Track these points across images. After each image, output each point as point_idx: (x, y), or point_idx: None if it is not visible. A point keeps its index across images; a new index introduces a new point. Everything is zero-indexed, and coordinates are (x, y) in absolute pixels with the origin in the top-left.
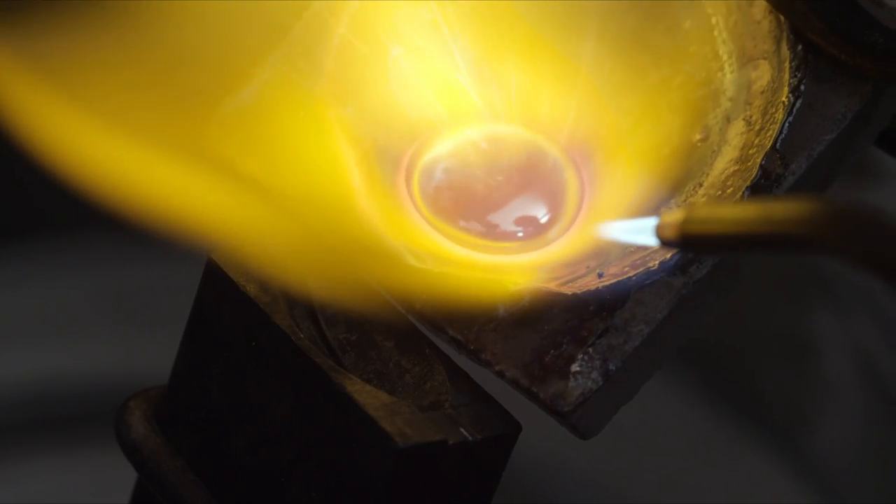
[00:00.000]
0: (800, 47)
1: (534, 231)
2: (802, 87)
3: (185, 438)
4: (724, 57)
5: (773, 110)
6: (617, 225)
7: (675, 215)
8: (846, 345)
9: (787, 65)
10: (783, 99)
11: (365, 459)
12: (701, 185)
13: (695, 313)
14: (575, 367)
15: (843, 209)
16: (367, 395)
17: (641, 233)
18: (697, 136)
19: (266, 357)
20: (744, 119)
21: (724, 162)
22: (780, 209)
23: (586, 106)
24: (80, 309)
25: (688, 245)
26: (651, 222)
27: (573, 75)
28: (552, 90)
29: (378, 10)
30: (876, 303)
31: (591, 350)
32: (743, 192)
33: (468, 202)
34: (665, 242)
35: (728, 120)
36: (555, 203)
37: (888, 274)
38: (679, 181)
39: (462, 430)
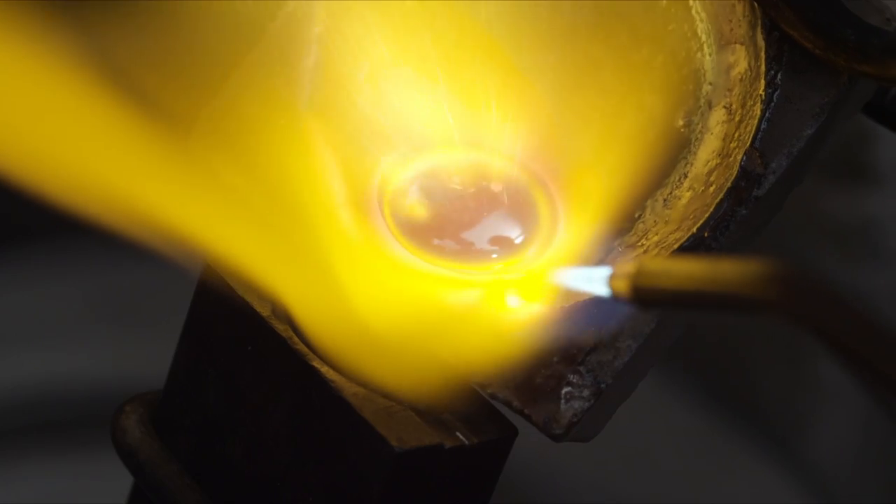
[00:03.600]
0: (776, 34)
1: (509, 251)
2: (779, 79)
3: (182, 442)
4: (703, 37)
5: (752, 103)
6: (570, 273)
7: (627, 268)
8: None
9: (762, 54)
10: (760, 92)
11: (361, 464)
12: (686, 177)
13: (684, 318)
14: (566, 389)
15: (789, 274)
16: (364, 400)
17: (594, 282)
18: (680, 122)
19: (262, 361)
20: (724, 106)
21: (706, 152)
22: (729, 270)
23: (562, 94)
24: (76, 312)
25: (638, 299)
26: (604, 272)
27: (546, 69)
28: (523, 91)
29: (355, 12)
30: (873, 305)
31: (581, 368)
32: (724, 196)
33: (441, 222)
34: (616, 294)
35: (709, 105)
36: (525, 225)
37: (830, 340)
38: (664, 170)
39: (458, 434)
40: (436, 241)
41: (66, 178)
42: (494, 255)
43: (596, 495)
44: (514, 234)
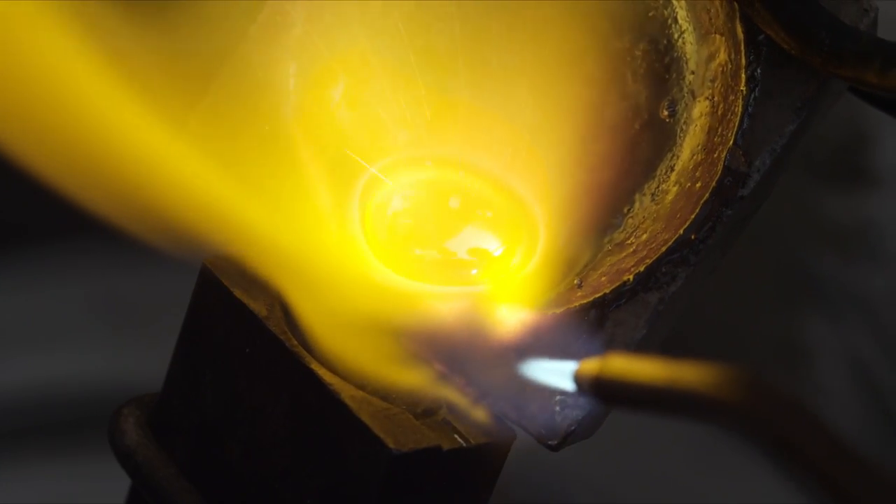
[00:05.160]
0: (754, 27)
1: (488, 264)
2: (758, 74)
3: (179, 445)
4: (684, 25)
5: (733, 97)
6: (538, 364)
7: (592, 364)
8: (840, 351)
9: (742, 47)
10: (741, 87)
11: (358, 466)
12: (672, 170)
13: (672, 317)
14: (560, 398)
15: (747, 381)
16: (361, 402)
17: (560, 376)
18: (665, 112)
19: (260, 363)
20: (707, 98)
21: (692, 145)
22: (690, 373)
23: (547, 84)
24: (73, 315)
25: (601, 395)
26: (570, 366)
27: (526, 58)
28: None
29: (332, 13)
30: (870, 309)
31: None
32: (710, 196)
33: (420, 233)
34: (581, 388)
35: (693, 95)
36: (504, 236)
37: (784, 448)
38: (650, 161)
39: (456, 436)
40: (417, 252)
41: (77, 165)
42: (474, 271)
43: (594, 496)
44: (493, 245)
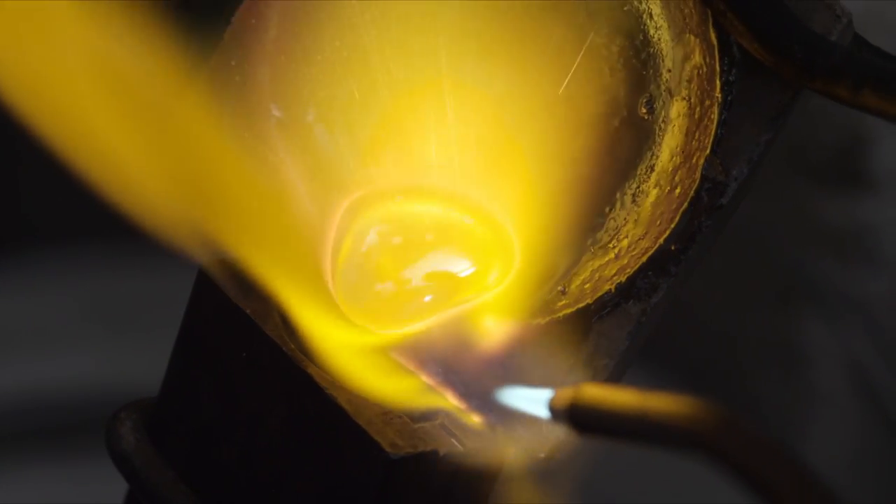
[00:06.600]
0: (727, 34)
1: (448, 290)
2: (733, 76)
3: (176, 449)
4: (660, 21)
5: (710, 103)
6: (513, 392)
7: (566, 392)
8: (838, 354)
9: (716, 52)
10: (717, 94)
11: (356, 470)
12: (652, 170)
13: (652, 326)
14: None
15: (717, 415)
16: (359, 406)
17: (535, 403)
18: (643, 109)
19: (257, 367)
20: (684, 98)
21: (671, 146)
22: (662, 405)
23: (532, 77)
24: (71, 319)
25: (575, 423)
26: (545, 394)
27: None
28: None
29: (306, 14)
30: (868, 312)
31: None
32: (689, 205)
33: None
34: (555, 416)
35: (670, 94)
36: (474, 259)
37: (752, 481)
38: (630, 160)
39: (454, 440)
40: (377, 287)
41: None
42: (428, 297)
43: (593, 498)
44: (459, 268)
